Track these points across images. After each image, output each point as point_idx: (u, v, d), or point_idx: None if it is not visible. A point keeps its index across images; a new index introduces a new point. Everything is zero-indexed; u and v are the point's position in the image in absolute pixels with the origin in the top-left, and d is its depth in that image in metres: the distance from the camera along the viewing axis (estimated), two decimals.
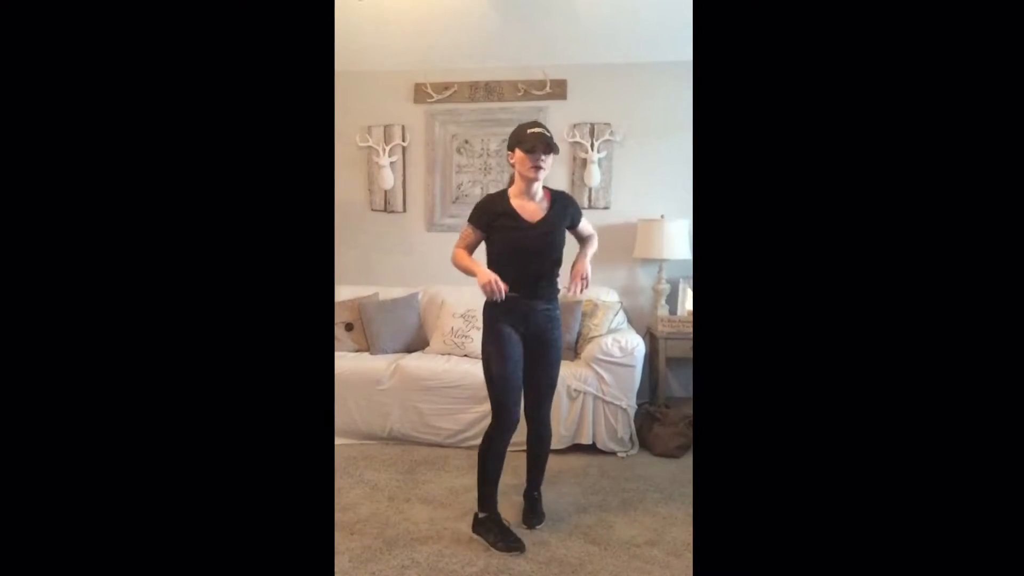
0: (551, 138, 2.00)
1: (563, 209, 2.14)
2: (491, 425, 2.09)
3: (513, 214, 2.06)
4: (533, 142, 1.97)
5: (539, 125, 2.05)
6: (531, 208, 2.07)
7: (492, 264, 2.07)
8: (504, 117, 3.75)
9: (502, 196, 2.10)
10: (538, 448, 2.24)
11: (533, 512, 2.24)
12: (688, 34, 3.02)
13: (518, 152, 2.01)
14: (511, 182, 2.12)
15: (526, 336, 2.10)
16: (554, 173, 3.74)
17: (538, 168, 2.00)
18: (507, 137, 3.66)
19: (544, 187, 2.11)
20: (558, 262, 2.14)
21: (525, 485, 2.29)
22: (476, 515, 2.09)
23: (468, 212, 3.68)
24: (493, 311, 2.08)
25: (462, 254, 2.09)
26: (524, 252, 2.06)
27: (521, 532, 2.10)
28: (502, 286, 1.97)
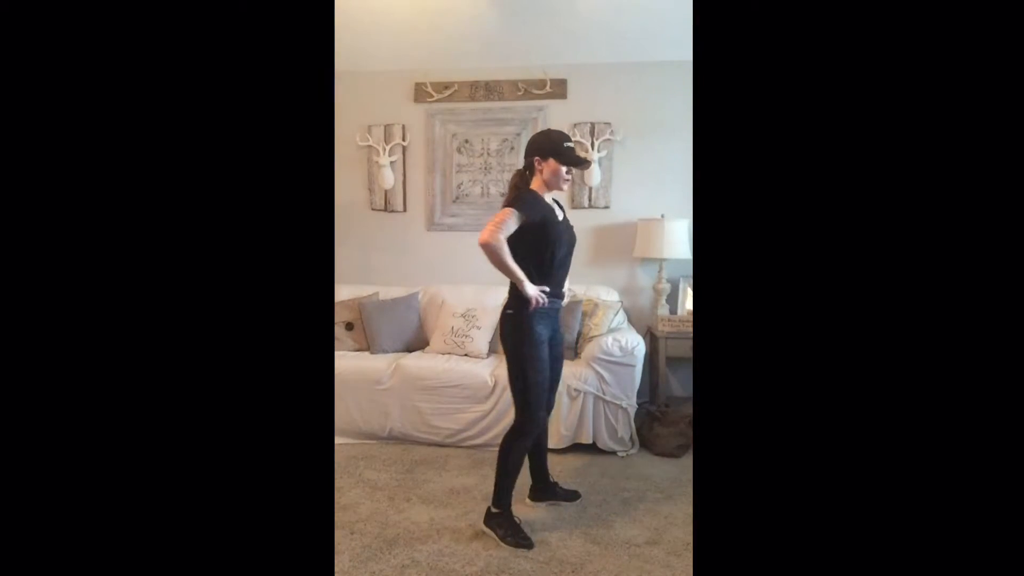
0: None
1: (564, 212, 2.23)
2: (517, 427, 2.09)
3: (552, 209, 2.10)
4: (573, 158, 2.05)
5: (568, 137, 2.09)
6: (556, 209, 2.15)
7: (535, 262, 2.05)
8: (504, 116, 3.75)
9: (537, 196, 2.08)
10: (545, 439, 2.40)
11: (567, 490, 2.42)
12: (688, 34, 3.03)
13: (552, 162, 2.04)
14: (521, 182, 2.10)
15: (550, 337, 2.15)
16: None
17: (567, 181, 2.09)
18: (508, 137, 3.72)
19: None
20: None
21: (531, 482, 2.39)
22: (489, 509, 2.11)
23: (468, 212, 3.79)
24: (531, 316, 2.06)
25: (507, 249, 1.97)
26: (563, 249, 2.11)
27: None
28: (544, 299, 2.03)
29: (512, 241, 1.99)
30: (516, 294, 2.06)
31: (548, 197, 2.13)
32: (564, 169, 2.05)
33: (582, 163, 2.08)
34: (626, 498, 2.42)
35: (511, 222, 1.97)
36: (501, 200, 3.72)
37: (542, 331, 2.08)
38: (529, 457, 2.36)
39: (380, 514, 2.27)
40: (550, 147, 2.05)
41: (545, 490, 2.37)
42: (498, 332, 2.17)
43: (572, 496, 2.40)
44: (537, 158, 2.06)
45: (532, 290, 2.00)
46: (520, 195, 2.04)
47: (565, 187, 2.12)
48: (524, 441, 2.09)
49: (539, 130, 3.66)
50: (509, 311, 2.08)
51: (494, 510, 2.10)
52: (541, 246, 2.05)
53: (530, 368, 2.04)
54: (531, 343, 2.05)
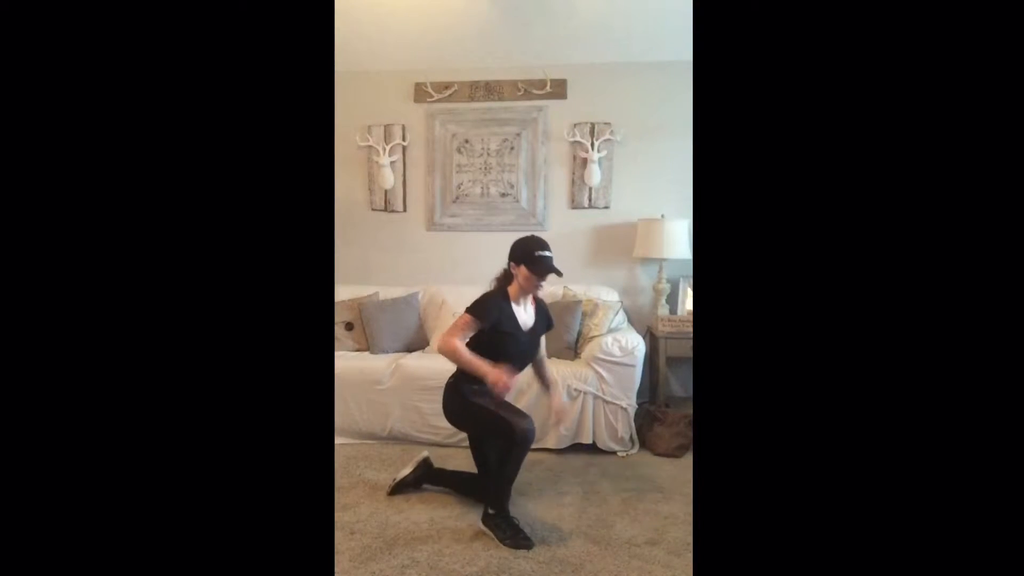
0: (554, 263, 2.17)
1: (544, 317, 2.34)
2: (507, 443, 2.08)
3: (514, 317, 2.20)
4: (543, 268, 2.13)
5: (544, 245, 2.17)
6: (524, 316, 2.24)
7: (491, 361, 2.13)
8: (504, 116, 3.75)
9: (504, 297, 2.20)
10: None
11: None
12: (688, 34, 3.02)
13: (524, 270, 2.14)
14: (506, 282, 2.22)
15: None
16: (554, 173, 3.76)
17: (541, 287, 2.19)
18: (508, 137, 3.73)
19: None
20: None
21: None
22: (486, 510, 2.11)
23: (468, 211, 3.79)
24: (466, 389, 2.17)
25: (461, 347, 2.10)
26: (519, 356, 2.21)
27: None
28: (510, 382, 2.08)
29: (473, 340, 2.14)
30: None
31: (522, 303, 2.24)
32: (538, 278, 2.14)
33: (552, 272, 2.15)
34: (626, 498, 2.42)
35: (468, 330, 2.13)
36: (501, 200, 3.76)
37: (487, 398, 2.14)
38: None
39: (380, 514, 2.26)
40: (521, 255, 2.16)
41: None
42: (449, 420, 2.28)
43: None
44: (512, 263, 2.19)
45: (493, 374, 2.04)
46: (483, 300, 2.16)
47: (540, 292, 2.23)
48: (521, 449, 2.08)
49: (540, 117, 3.70)
50: (452, 380, 2.22)
51: (491, 511, 2.10)
52: (496, 352, 2.13)
53: (483, 412, 2.11)
54: (474, 393, 2.14)
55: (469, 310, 2.15)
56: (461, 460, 2.79)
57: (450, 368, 2.99)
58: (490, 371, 2.05)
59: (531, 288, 2.19)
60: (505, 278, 2.24)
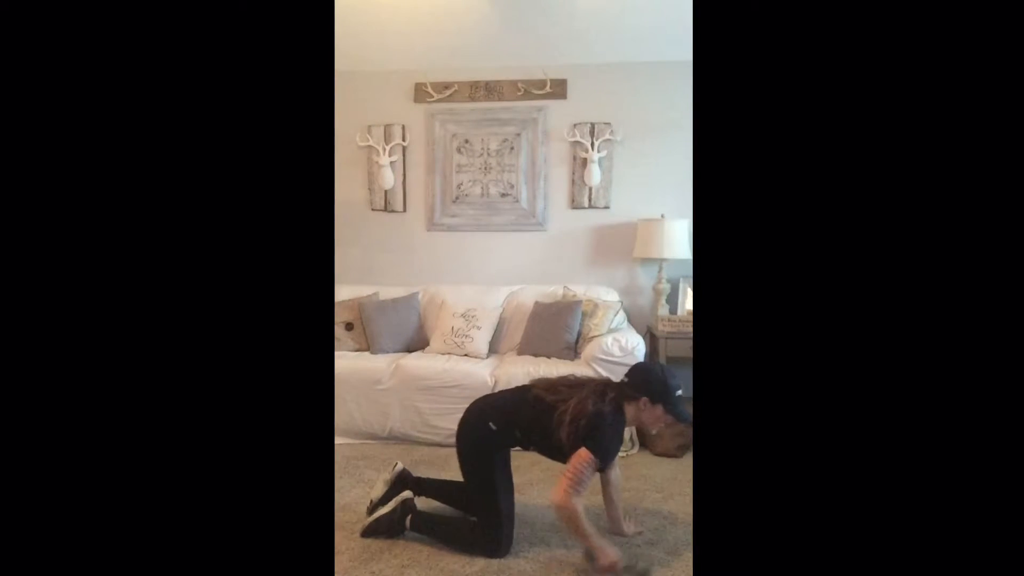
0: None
1: None
2: (481, 546, 1.95)
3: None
4: (682, 413, 1.83)
5: (678, 381, 1.87)
6: None
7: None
8: (504, 116, 3.75)
9: (623, 423, 1.89)
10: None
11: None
12: (688, 34, 3.02)
13: (660, 410, 1.85)
14: (622, 402, 1.88)
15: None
16: (555, 173, 3.76)
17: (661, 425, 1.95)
18: (508, 137, 3.72)
19: None
20: None
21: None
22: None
23: (468, 212, 3.79)
24: (492, 443, 1.96)
25: (582, 514, 1.76)
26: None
27: (518, 531, 2.10)
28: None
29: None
30: (500, 413, 1.95)
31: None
32: (668, 418, 1.87)
33: (686, 420, 1.87)
34: (626, 498, 2.42)
35: (588, 476, 1.75)
36: (501, 200, 3.76)
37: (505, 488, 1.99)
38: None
39: None
40: (663, 392, 1.84)
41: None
42: (457, 447, 1.99)
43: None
44: (646, 398, 1.85)
45: (607, 560, 1.75)
46: (602, 434, 1.79)
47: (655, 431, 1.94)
48: (479, 551, 1.94)
49: (540, 117, 3.69)
50: (493, 427, 1.93)
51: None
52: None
53: (503, 500, 1.95)
54: (503, 467, 1.97)
55: (592, 450, 1.77)
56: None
57: (450, 369, 3.02)
58: (605, 554, 1.76)
59: (654, 424, 1.92)
60: (620, 396, 1.89)
